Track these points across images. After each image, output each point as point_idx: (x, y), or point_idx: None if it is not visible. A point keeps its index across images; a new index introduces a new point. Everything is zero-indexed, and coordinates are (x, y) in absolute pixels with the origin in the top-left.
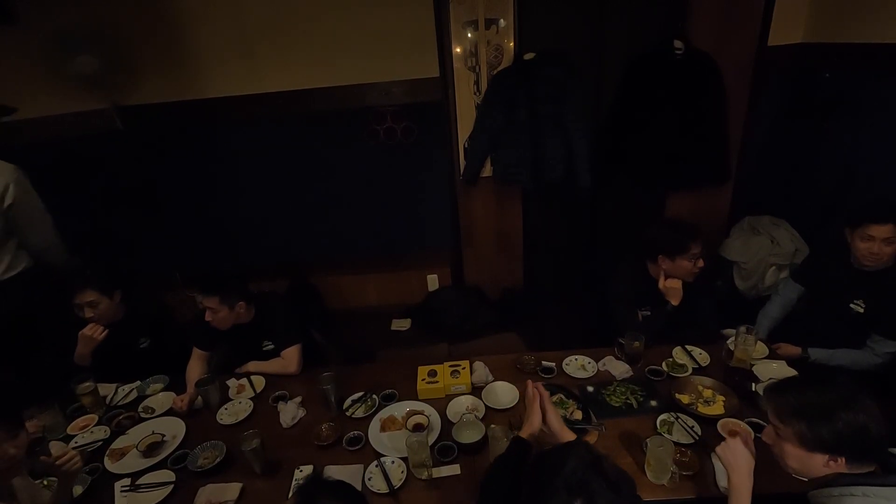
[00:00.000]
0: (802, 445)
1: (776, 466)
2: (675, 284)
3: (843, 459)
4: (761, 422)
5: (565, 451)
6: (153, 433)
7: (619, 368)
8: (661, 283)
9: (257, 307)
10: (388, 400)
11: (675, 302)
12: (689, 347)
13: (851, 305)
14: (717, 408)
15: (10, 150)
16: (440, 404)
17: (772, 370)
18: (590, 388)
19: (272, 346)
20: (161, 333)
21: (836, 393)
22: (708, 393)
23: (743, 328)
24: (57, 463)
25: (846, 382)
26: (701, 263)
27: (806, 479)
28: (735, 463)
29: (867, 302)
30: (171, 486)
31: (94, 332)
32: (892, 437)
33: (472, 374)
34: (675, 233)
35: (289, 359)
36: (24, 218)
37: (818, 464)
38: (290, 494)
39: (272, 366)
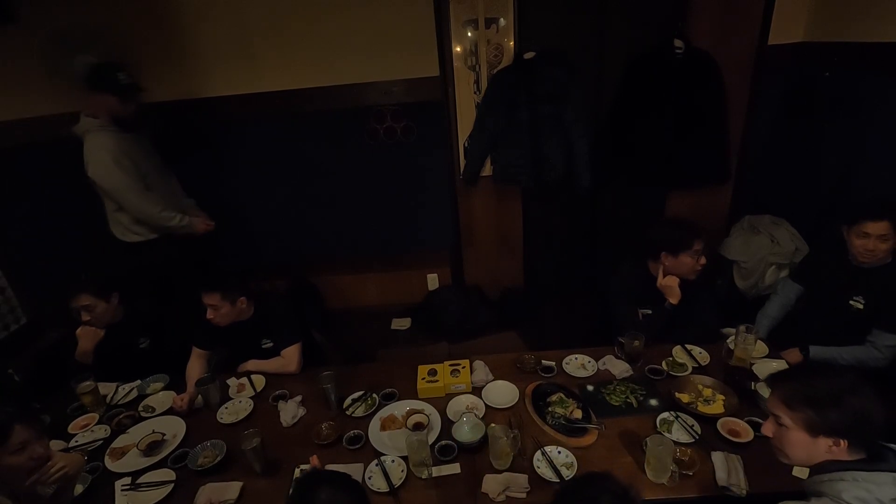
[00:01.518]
0: (809, 431)
1: (776, 466)
2: (673, 282)
3: (846, 443)
4: (761, 421)
5: (594, 486)
6: (153, 432)
7: (619, 367)
8: (660, 281)
9: (256, 305)
10: (389, 399)
11: (673, 300)
12: (688, 346)
13: (851, 302)
14: (716, 407)
15: (10, 149)
16: (440, 403)
17: (771, 369)
18: (590, 387)
19: (271, 345)
20: (161, 333)
21: (842, 380)
22: (708, 392)
23: (743, 327)
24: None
25: (849, 371)
26: (703, 260)
27: (802, 477)
28: None
29: (866, 298)
30: (172, 485)
31: (87, 332)
32: (892, 433)
33: (472, 373)
34: (678, 230)
35: (289, 358)
36: (106, 190)
37: (821, 449)
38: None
39: (272, 364)
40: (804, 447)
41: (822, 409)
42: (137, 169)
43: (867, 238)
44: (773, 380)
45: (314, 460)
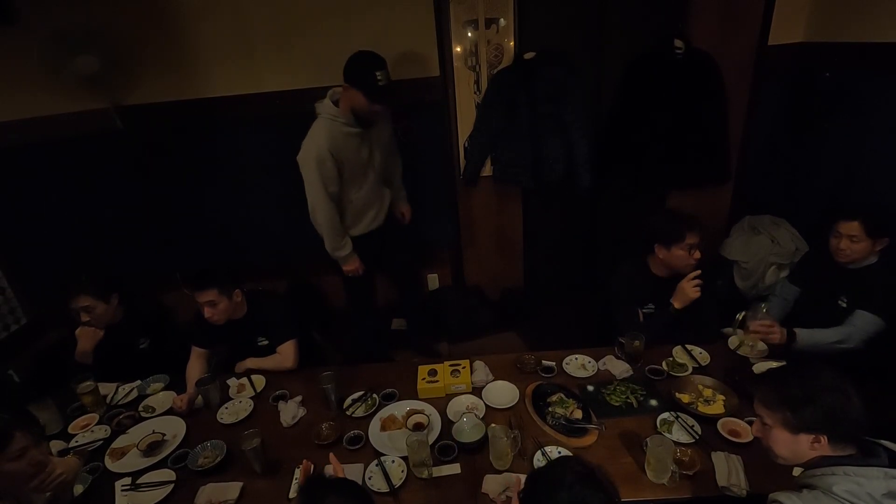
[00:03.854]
0: (788, 429)
1: (776, 467)
2: (689, 287)
3: (826, 438)
4: None
5: (560, 467)
6: (154, 432)
7: (619, 368)
8: (682, 282)
9: (250, 303)
10: (389, 399)
11: (678, 305)
12: (689, 347)
13: (839, 302)
14: (717, 407)
15: (10, 149)
16: (440, 404)
17: (760, 373)
18: (590, 388)
19: (266, 342)
20: (160, 334)
21: (817, 378)
22: (708, 392)
23: (762, 306)
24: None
25: (829, 370)
26: (697, 255)
27: (795, 474)
28: None
29: (849, 298)
30: (172, 485)
31: (86, 332)
32: (874, 421)
33: (472, 373)
34: (671, 221)
35: (285, 354)
36: (303, 176)
37: (804, 447)
38: (291, 493)
39: (269, 362)
40: (787, 445)
41: (798, 407)
42: (340, 171)
43: (839, 237)
44: (755, 382)
45: (334, 462)
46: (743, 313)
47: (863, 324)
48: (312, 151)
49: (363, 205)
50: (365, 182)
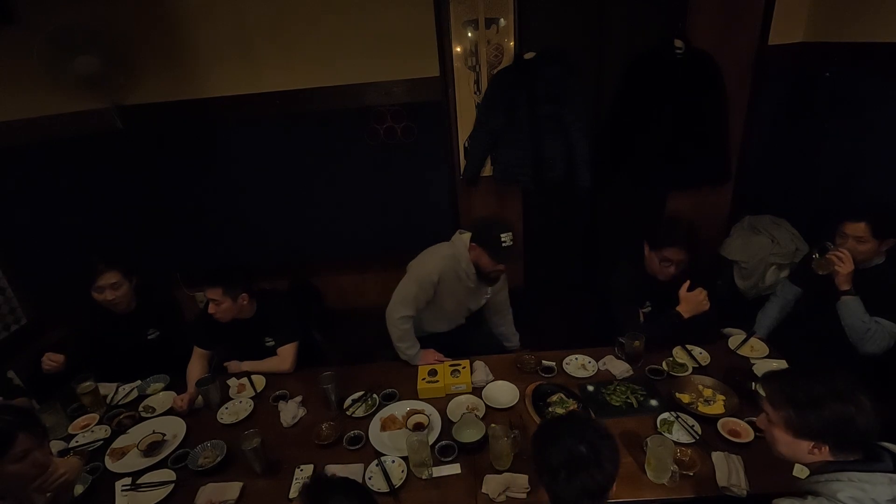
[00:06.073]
0: (790, 431)
1: (776, 467)
2: (694, 298)
3: (827, 448)
4: None
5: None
6: (154, 432)
7: (619, 368)
8: (683, 291)
9: (260, 303)
10: (389, 399)
11: (685, 313)
12: (689, 347)
13: None
14: (717, 407)
15: (10, 149)
16: (440, 404)
17: (772, 369)
18: (590, 388)
19: (273, 343)
20: (170, 326)
21: (829, 384)
22: (708, 392)
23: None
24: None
25: (843, 376)
26: (672, 270)
27: (802, 477)
28: None
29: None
30: (172, 485)
31: (49, 361)
32: (883, 430)
33: (472, 373)
34: (662, 228)
35: (283, 356)
36: (408, 276)
37: (804, 450)
38: (292, 493)
39: (266, 364)
40: (787, 445)
41: (801, 411)
42: (437, 293)
43: (846, 238)
44: (765, 378)
45: None
46: (828, 243)
47: (891, 328)
48: (424, 273)
49: (452, 312)
50: (464, 301)
